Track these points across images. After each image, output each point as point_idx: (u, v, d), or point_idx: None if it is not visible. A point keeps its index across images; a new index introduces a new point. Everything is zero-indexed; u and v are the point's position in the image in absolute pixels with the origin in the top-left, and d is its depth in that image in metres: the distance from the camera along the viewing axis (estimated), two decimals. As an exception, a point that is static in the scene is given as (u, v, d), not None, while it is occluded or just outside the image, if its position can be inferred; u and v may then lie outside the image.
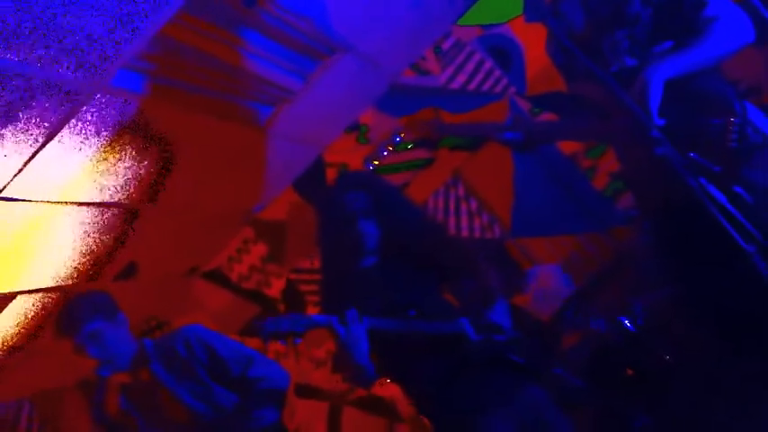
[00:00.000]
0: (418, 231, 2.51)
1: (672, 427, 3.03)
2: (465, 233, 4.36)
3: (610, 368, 3.34)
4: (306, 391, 4.12)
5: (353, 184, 2.50)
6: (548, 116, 4.12)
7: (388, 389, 3.82)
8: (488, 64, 4.12)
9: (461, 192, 4.37)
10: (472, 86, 4.14)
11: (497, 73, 4.14)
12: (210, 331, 2.92)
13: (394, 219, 2.47)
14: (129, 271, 3.71)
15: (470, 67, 4.12)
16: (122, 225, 3.38)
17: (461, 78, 4.13)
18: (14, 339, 3.50)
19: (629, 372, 3.33)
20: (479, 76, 4.13)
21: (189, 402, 2.79)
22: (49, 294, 3.43)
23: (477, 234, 4.35)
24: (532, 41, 4.03)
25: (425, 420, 2.47)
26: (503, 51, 4.13)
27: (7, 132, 2.44)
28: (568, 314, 3.88)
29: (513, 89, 4.15)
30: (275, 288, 4.49)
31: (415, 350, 2.30)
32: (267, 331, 2.07)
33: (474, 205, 4.36)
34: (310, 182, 4.21)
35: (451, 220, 4.35)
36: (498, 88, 4.16)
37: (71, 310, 2.73)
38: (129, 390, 2.82)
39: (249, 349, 2.95)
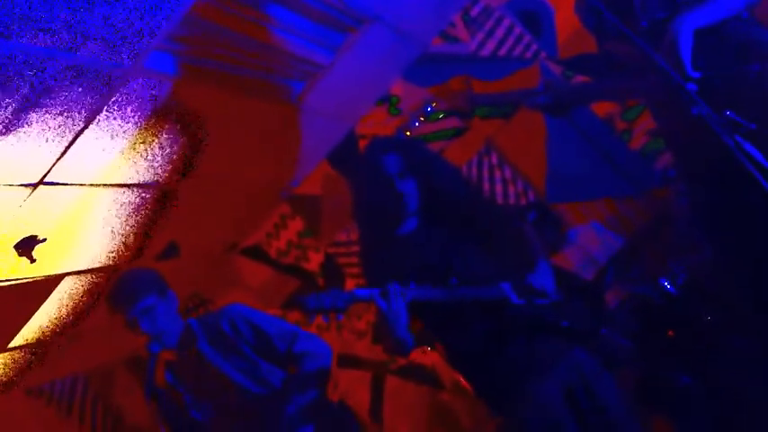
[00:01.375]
0: (457, 192, 2.49)
1: (713, 387, 3.01)
2: (500, 201, 4.34)
3: (651, 330, 3.32)
4: (349, 362, 4.18)
5: (387, 147, 2.48)
6: (581, 79, 4.05)
7: (429, 357, 3.86)
8: (518, 29, 4.05)
9: (495, 160, 4.34)
10: (502, 52, 4.08)
11: (527, 38, 4.07)
12: (253, 309, 2.97)
13: (431, 180, 2.44)
14: (171, 250, 3.79)
15: (500, 32, 4.06)
16: (162, 205, 3.44)
17: (491, 45, 4.07)
18: (64, 319, 3.61)
19: (671, 333, 3.31)
20: (509, 42, 4.07)
21: (236, 379, 2.85)
22: (95, 275, 3.53)
23: (512, 201, 4.33)
24: (562, 3, 3.95)
25: (468, 387, 2.48)
26: (532, 15, 4.06)
27: (47, 119, 2.50)
28: (609, 276, 3.85)
29: (544, 53, 4.09)
30: (314, 262, 4.54)
31: (458, 316, 2.31)
32: (310, 307, 2.09)
33: (508, 173, 4.33)
34: (344, 155, 4.22)
35: (486, 188, 4.33)
36: (529, 53, 4.09)
37: (125, 285, 2.82)
38: (174, 366, 2.90)
39: (292, 325, 3.01)
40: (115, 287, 2.84)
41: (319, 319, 4.18)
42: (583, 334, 2.38)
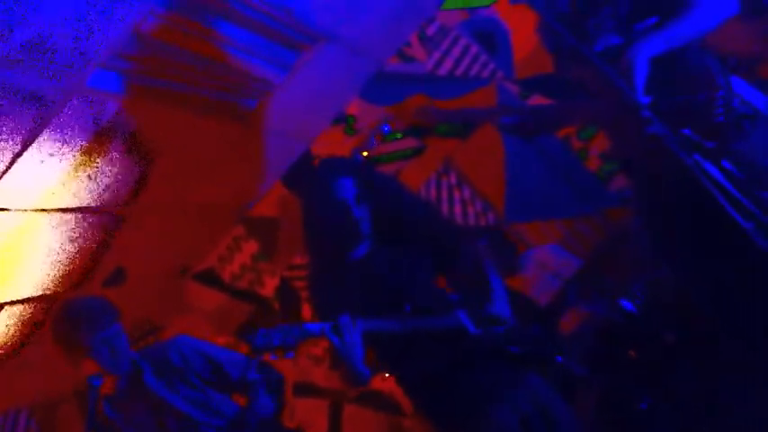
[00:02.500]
0: (411, 216, 2.45)
1: (676, 406, 3.00)
2: (459, 221, 4.31)
3: (612, 351, 3.31)
4: (305, 390, 4.09)
5: (341, 169, 2.42)
6: (537, 99, 4.06)
7: (388, 383, 3.78)
8: (474, 48, 4.05)
9: (453, 180, 4.31)
10: (459, 72, 4.08)
11: (484, 57, 4.07)
12: (201, 340, 2.92)
13: (385, 203, 2.40)
14: (117, 276, 3.66)
15: (457, 52, 4.06)
16: (108, 229, 3.33)
17: (448, 64, 4.06)
18: (4, 350, 3.45)
19: (632, 353, 3.30)
20: (466, 61, 4.07)
21: (186, 411, 2.76)
22: (38, 303, 3.38)
23: (471, 222, 4.31)
24: (518, 24, 3.97)
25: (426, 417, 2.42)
26: (489, 35, 4.07)
27: (-18, 141, 2.39)
28: (570, 296, 3.84)
29: (500, 73, 4.09)
30: (269, 287, 4.44)
31: (413, 346, 2.25)
32: (257, 345, 2.03)
33: (467, 193, 4.31)
34: (300, 176, 4.15)
35: (444, 209, 4.29)
36: (486, 73, 4.09)
37: (84, 312, 2.67)
38: (114, 401, 2.78)
39: (243, 354, 2.94)
40: (73, 316, 2.67)
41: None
42: (538, 360, 2.35)
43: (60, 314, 2.75)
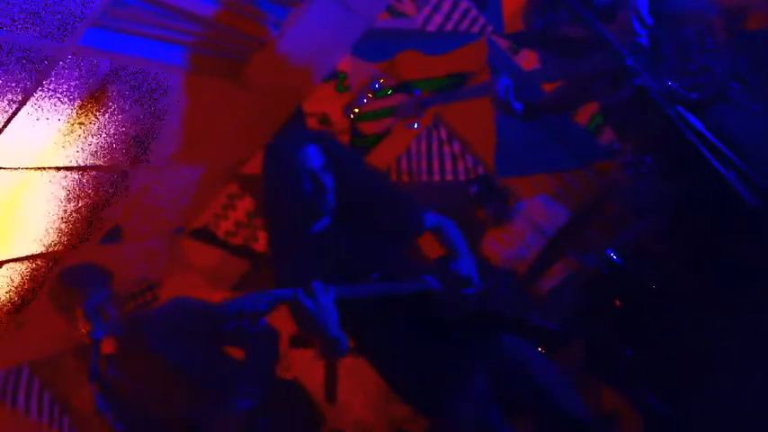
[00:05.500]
0: (372, 188, 2.39)
1: (660, 353, 3.08)
2: (449, 177, 4.35)
3: (598, 301, 3.38)
4: (300, 342, 4.15)
5: (305, 138, 2.32)
6: (526, 53, 4.07)
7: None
8: (464, 3, 4.04)
9: (444, 135, 4.34)
10: (449, 27, 4.07)
11: (474, 12, 4.06)
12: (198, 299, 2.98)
13: (346, 175, 2.32)
14: (114, 234, 3.69)
15: (446, 7, 4.05)
16: (104, 188, 3.35)
17: (438, 19, 4.05)
18: (5, 308, 3.50)
19: (617, 303, 3.36)
20: (456, 16, 4.06)
21: (190, 367, 2.83)
22: (36, 261, 3.42)
23: (461, 177, 4.34)
24: (508, -22, 3.96)
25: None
26: (479, -11, 4.06)
27: (-23, 101, 2.40)
28: (557, 248, 3.88)
29: (490, 28, 4.09)
30: (264, 242, 4.48)
31: (381, 315, 2.20)
32: (228, 314, 1.91)
33: (457, 148, 4.33)
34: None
35: (435, 164, 4.33)
36: (476, 28, 4.09)
37: (76, 279, 2.75)
38: (115, 359, 2.86)
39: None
40: (65, 281, 2.77)
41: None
42: (510, 321, 2.35)
43: (56, 280, 2.83)
